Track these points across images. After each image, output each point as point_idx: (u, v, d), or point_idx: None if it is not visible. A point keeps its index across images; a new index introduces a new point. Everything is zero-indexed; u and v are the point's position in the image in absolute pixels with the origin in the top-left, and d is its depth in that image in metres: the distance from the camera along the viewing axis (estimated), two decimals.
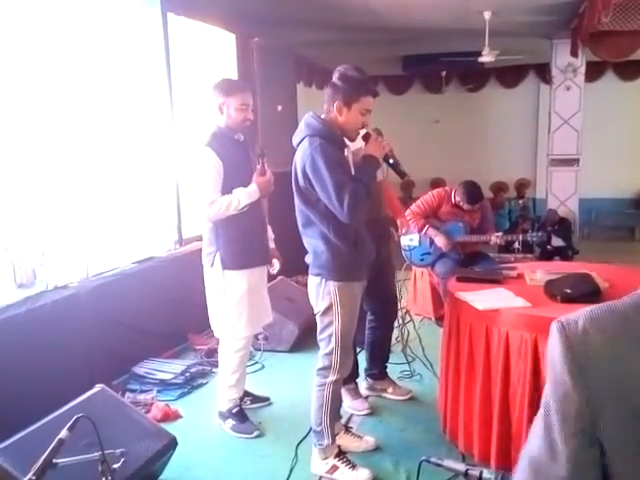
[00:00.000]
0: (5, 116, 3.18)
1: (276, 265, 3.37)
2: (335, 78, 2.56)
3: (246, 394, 3.48)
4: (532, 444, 0.83)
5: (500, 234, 4.55)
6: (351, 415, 3.32)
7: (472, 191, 4.45)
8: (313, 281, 2.64)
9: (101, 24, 3.84)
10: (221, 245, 3.03)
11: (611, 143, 8.91)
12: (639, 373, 0.73)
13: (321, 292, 2.59)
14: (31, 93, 3.32)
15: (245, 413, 3.27)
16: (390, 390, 3.52)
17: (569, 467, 0.77)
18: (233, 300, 3.08)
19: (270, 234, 3.34)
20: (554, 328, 0.80)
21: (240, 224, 3.00)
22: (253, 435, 3.16)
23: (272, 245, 3.34)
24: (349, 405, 3.34)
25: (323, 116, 2.60)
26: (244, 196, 2.97)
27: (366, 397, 3.51)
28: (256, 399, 3.52)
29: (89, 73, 3.75)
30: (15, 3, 3.23)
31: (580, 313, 0.80)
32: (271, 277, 3.53)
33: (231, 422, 3.22)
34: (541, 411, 0.82)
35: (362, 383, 3.58)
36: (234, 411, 3.23)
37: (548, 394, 0.81)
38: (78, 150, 3.66)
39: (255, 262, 3.11)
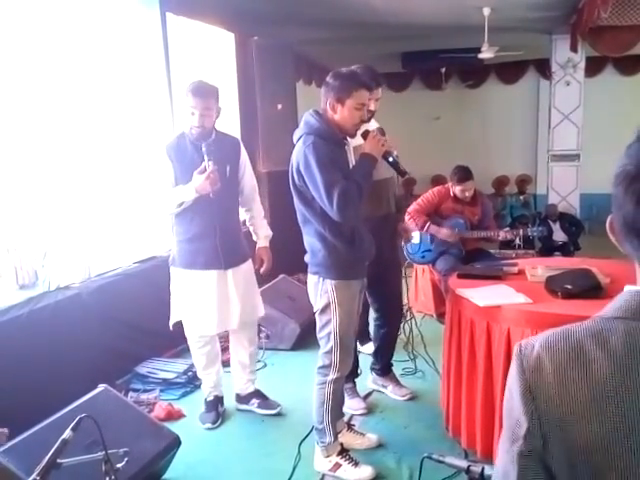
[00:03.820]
0: (6, 118, 3.18)
1: (265, 264, 3.30)
2: (328, 77, 2.55)
3: (256, 394, 3.39)
4: (496, 462, 0.85)
5: (507, 229, 4.62)
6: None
7: (461, 169, 4.60)
8: (311, 279, 2.65)
9: (100, 25, 3.84)
10: (173, 243, 3.14)
11: (612, 138, 8.78)
12: (582, 404, 0.73)
13: (319, 290, 2.59)
14: (31, 95, 3.32)
15: (216, 404, 3.29)
16: (390, 388, 3.53)
17: None
18: (179, 298, 3.14)
19: (267, 232, 3.32)
20: (514, 351, 0.81)
21: (188, 225, 3.05)
22: (205, 426, 3.19)
23: (262, 244, 3.31)
24: (346, 404, 3.34)
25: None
26: (178, 193, 2.97)
27: (370, 392, 3.54)
28: (264, 404, 3.35)
29: (89, 74, 3.75)
30: (15, 4, 3.23)
31: (539, 337, 0.80)
32: (272, 276, 3.49)
33: (202, 409, 3.28)
34: (503, 431, 0.83)
35: (368, 376, 3.60)
36: (207, 400, 3.29)
37: (504, 415, 0.81)
38: (79, 151, 3.67)
39: (201, 265, 3.07)
